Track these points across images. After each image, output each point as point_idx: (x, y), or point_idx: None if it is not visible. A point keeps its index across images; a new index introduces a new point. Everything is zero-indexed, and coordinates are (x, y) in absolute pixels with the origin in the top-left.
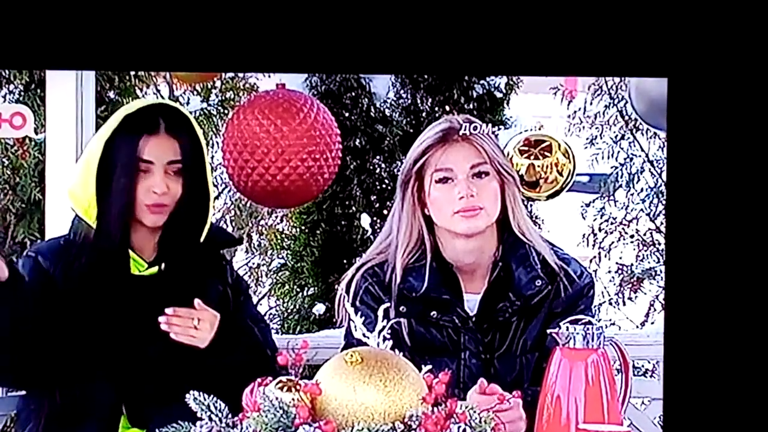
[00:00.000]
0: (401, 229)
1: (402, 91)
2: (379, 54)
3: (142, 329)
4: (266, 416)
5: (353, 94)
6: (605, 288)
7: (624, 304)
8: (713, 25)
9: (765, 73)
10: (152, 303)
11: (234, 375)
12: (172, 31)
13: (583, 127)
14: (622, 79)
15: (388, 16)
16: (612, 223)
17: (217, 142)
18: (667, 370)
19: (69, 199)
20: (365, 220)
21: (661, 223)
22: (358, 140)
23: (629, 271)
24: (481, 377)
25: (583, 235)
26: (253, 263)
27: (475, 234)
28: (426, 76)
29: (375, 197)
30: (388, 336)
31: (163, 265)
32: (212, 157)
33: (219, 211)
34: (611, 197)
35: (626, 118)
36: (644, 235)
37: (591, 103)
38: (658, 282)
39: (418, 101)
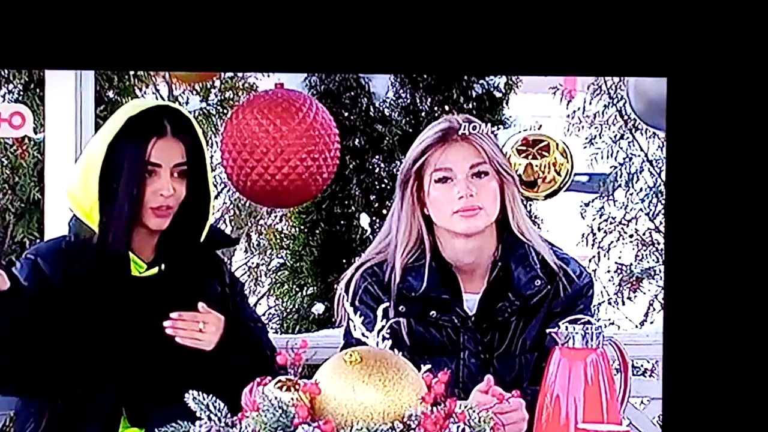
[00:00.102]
0: (400, 228)
1: (401, 91)
2: (378, 54)
3: (143, 330)
4: (265, 416)
5: (352, 93)
6: (604, 288)
7: (623, 303)
8: (713, 25)
9: (765, 73)
10: (152, 304)
11: (239, 376)
12: (171, 31)
13: (583, 127)
14: (621, 78)
15: (388, 16)
16: (611, 223)
17: (217, 142)
18: (666, 369)
19: (68, 201)
20: (364, 219)
21: (661, 223)
22: (357, 140)
23: (628, 271)
24: (489, 375)
25: (583, 235)
26: (253, 263)
27: (474, 234)
28: (425, 76)
29: (374, 197)
30: (388, 336)
31: (163, 266)
32: (211, 157)
33: (218, 210)
34: (610, 197)
35: (625, 117)
36: (643, 234)
37: (590, 103)
38: (657, 282)
39: (418, 101)
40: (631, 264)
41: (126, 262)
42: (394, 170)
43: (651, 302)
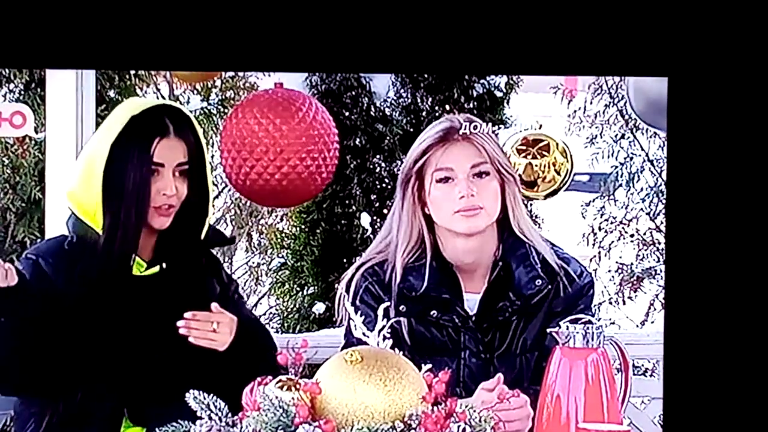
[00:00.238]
0: (401, 228)
1: (402, 91)
2: (379, 53)
3: (144, 329)
4: (266, 415)
5: (353, 93)
6: (605, 287)
7: (624, 303)
8: (713, 24)
9: (765, 73)
10: (153, 303)
11: (249, 376)
12: (172, 31)
13: (583, 127)
14: (622, 78)
15: (388, 16)
16: (612, 223)
17: (217, 141)
18: (666, 369)
19: (70, 202)
20: (365, 219)
21: (661, 223)
22: (358, 139)
23: (629, 271)
24: (499, 374)
25: (583, 235)
26: (253, 262)
27: (475, 233)
28: (426, 76)
29: (375, 196)
30: (388, 335)
31: (164, 265)
32: (212, 157)
33: (219, 210)
34: (611, 196)
35: (626, 117)
36: (644, 234)
37: (591, 103)
38: (658, 281)
39: (419, 100)
40: (632, 264)
41: (130, 261)
42: (395, 170)
43: (652, 302)
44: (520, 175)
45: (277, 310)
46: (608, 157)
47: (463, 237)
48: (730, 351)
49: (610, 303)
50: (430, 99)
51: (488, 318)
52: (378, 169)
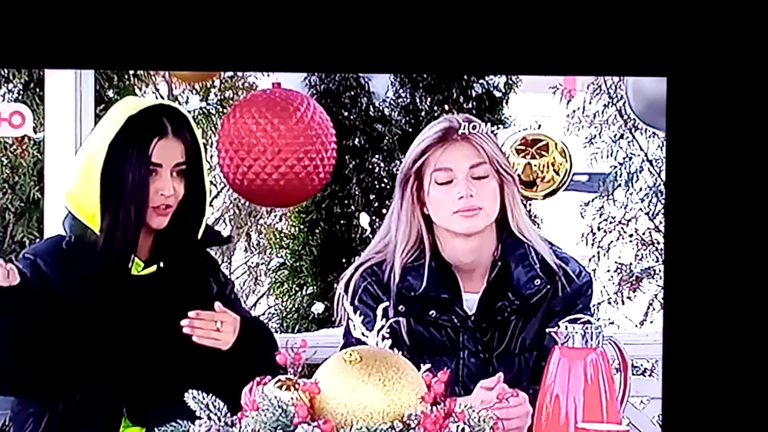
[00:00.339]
0: (400, 228)
1: (401, 91)
2: (378, 53)
3: (142, 328)
4: (265, 415)
5: (352, 93)
6: (604, 287)
7: (623, 303)
8: (713, 24)
9: (765, 73)
10: (151, 302)
11: (252, 375)
12: (171, 31)
13: (582, 127)
14: (621, 78)
15: (387, 16)
16: (611, 223)
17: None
18: (665, 369)
19: (68, 203)
20: (364, 219)
21: (660, 223)
22: (357, 139)
23: (628, 271)
24: (500, 373)
25: (582, 235)
26: (252, 262)
27: (474, 234)
28: (425, 76)
29: (374, 196)
30: (387, 335)
31: (161, 264)
32: (211, 157)
33: (218, 209)
34: (610, 196)
35: (625, 117)
36: (643, 234)
37: (590, 103)
38: (657, 281)
39: (417, 100)
40: (631, 263)
41: (129, 261)
42: (394, 170)
43: (651, 302)
44: (519, 175)
45: (276, 309)
46: (607, 157)
47: (462, 237)
48: (729, 351)
49: (609, 303)
50: (429, 99)
51: (487, 318)
52: (377, 169)
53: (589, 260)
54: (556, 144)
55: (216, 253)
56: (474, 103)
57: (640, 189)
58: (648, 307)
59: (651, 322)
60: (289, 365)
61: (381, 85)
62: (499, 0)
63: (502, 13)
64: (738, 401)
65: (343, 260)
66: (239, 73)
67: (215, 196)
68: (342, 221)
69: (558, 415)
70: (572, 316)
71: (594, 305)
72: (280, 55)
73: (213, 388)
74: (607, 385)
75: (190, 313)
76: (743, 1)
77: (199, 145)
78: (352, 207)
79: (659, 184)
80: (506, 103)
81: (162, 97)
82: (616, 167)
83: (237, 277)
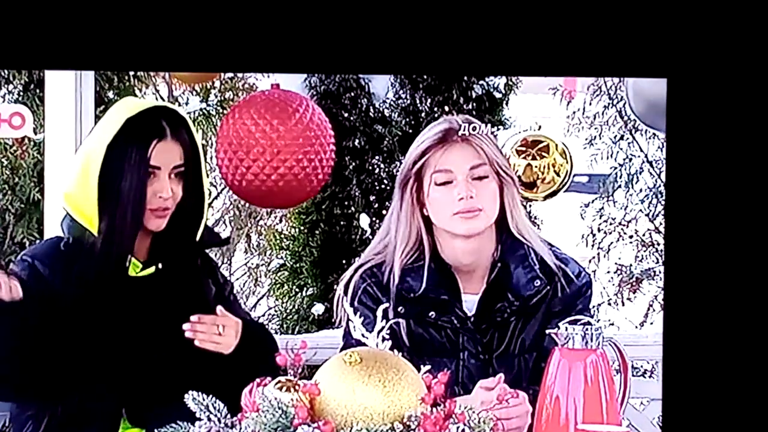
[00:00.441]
0: (400, 229)
1: (401, 92)
2: (378, 54)
3: (140, 330)
4: (265, 416)
5: (352, 94)
6: (604, 288)
7: (623, 304)
8: (713, 25)
9: (765, 73)
10: (149, 304)
11: (253, 377)
12: (171, 32)
13: (582, 128)
14: (621, 79)
15: (388, 16)
16: (611, 224)
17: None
18: (666, 370)
19: (66, 205)
20: (364, 220)
21: (660, 224)
22: (357, 140)
23: (628, 272)
24: (500, 374)
25: (582, 236)
26: (252, 263)
27: (474, 235)
28: (425, 77)
29: (374, 197)
30: (387, 336)
31: (159, 266)
32: (211, 158)
33: (218, 211)
34: (610, 198)
35: (625, 118)
36: (643, 235)
37: (590, 104)
38: (657, 282)
39: (417, 101)
40: (631, 265)
41: (126, 263)
42: (394, 171)
43: (651, 303)
44: (519, 176)
45: (276, 311)
46: (607, 158)
47: (461, 238)
48: (729, 352)
49: (609, 304)
50: (429, 100)
51: (487, 319)
52: (377, 170)
53: (589, 261)
54: (556, 145)
55: (216, 255)
56: (474, 104)
57: (640, 190)
58: (648, 309)
59: (651, 323)
60: (289, 366)
61: (381, 86)
62: (499, 1)
63: (502, 14)
64: (738, 402)
65: (343, 261)
66: (239, 75)
67: (215, 198)
68: (342, 222)
69: (558, 416)
70: (572, 318)
71: (594, 306)
72: (280, 56)
73: (212, 389)
74: (607, 386)
75: (192, 318)
76: (743, 2)
77: (198, 148)
78: (352, 208)
79: (659, 186)
80: (506, 104)
81: (162, 98)
82: (616, 168)
83: (237, 279)
